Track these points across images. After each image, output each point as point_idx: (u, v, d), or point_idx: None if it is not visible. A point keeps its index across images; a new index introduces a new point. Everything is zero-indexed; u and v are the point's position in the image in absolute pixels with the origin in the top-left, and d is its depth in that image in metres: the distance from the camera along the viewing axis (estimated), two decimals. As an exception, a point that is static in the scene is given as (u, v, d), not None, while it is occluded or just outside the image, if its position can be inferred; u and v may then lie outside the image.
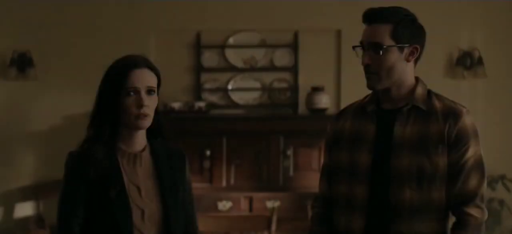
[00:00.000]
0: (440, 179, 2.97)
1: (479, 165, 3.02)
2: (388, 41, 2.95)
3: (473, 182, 2.99)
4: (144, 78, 2.85)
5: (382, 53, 2.95)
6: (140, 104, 2.83)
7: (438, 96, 3.07)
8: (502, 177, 6.97)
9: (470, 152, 2.99)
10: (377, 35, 2.96)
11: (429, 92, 3.07)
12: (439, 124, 2.98)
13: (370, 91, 3.11)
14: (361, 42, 3.01)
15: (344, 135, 3.12)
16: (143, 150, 2.93)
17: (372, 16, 2.99)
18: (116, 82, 2.82)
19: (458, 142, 2.97)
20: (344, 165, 3.09)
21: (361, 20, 3.03)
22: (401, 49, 2.97)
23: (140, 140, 2.92)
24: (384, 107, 3.06)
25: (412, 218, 2.97)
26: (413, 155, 2.96)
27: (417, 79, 3.07)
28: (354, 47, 3.05)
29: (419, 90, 3.04)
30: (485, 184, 3.03)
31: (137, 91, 2.83)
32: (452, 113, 2.99)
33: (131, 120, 2.84)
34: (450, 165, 2.97)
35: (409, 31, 2.99)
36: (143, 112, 2.84)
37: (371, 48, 2.97)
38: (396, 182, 2.97)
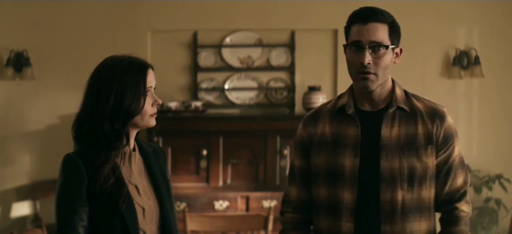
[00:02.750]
0: (430, 178, 3.02)
1: (462, 163, 3.11)
2: (387, 41, 2.96)
3: (460, 179, 3.07)
4: (154, 78, 2.90)
5: (383, 53, 2.95)
6: (156, 103, 2.88)
7: (415, 96, 3.10)
8: (499, 177, 6.98)
9: (456, 151, 3.06)
10: (378, 34, 2.95)
11: (406, 93, 3.09)
12: (427, 125, 3.01)
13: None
14: (357, 41, 2.97)
15: (323, 138, 3.09)
16: (134, 148, 2.94)
17: (368, 15, 2.97)
18: (139, 82, 2.83)
19: (445, 142, 3.02)
20: (325, 169, 3.06)
21: (350, 21, 3.03)
22: (393, 50, 3.00)
23: (133, 138, 2.94)
24: (363, 109, 3.06)
25: (404, 219, 2.99)
26: (403, 156, 2.98)
27: (392, 80, 3.09)
28: (347, 45, 3.02)
29: (398, 92, 3.06)
30: (469, 179, 3.13)
31: (151, 90, 2.87)
32: (438, 114, 3.04)
33: (145, 118, 2.86)
34: (439, 164, 3.03)
35: (398, 33, 3.02)
36: (156, 110, 2.91)
37: (371, 48, 2.95)
38: (387, 183, 2.98)
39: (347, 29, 3.04)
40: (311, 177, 3.13)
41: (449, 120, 3.05)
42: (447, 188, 3.04)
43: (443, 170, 3.03)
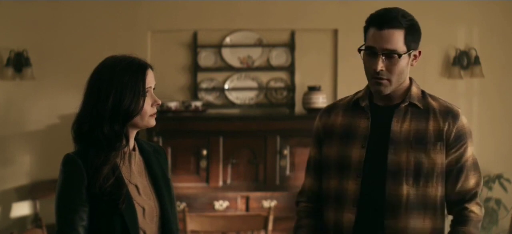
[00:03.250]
0: (437, 176, 3.00)
1: (476, 164, 3.09)
2: (402, 48, 2.94)
3: (472, 181, 3.05)
4: (153, 78, 2.90)
5: (396, 60, 2.94)
6: (156, 103, 2.88)
7: (432, 96, 3.10)
8: (499, 177, 6.98)
9: (469, 152, 3.05)
10: (392, 41, 2.93)
11: (423, 92, 3.10)
12: (438, 122, 3.01)
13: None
14: (371, 47, 2.97)
15: (335, 129, 3.12)
16: (134, 148, 2.95)
17: (383, 21, 2.95)
18: (139, 82, 2.83)
19: (457, 141, 3.01)
20: (335, 159, 3.09)
21: (368, 22, 3.00)
22: (410, 54, 2.98)
23: (133, 138, 2.94)
24: (378, 104, 3.07)
25: (408, 214, 2.99)
26: (411, 151, 2.98)
27: (410, 79, 3.08)
28: (361, 50, 3.01)
29: (414, 90, 3.06)
30: (482, 182, 3.10)
31: (150, 91, 2.87)
32: (451, 113, 3.03)
33: (145, 119, 2.87)
34: (450, 164, 3.02)
35: (416, 36, 2.99)
36: (156, 110, 2.91)
37: (385, 55, 2.94)
38: (393, 177, 2.98)
39: (366, 30, 3.03)
40: (323, 168, 3.15)
41: (463, 120, 3.05)
42: (458, 188, 3.03)
43: (454, 169, 3.03)
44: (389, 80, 2.97)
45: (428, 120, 3.02)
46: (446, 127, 3.00)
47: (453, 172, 3.03)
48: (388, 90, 3.00)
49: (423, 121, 3.02)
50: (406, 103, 3.02)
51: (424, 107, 3.04)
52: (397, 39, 2.94)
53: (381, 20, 2.96)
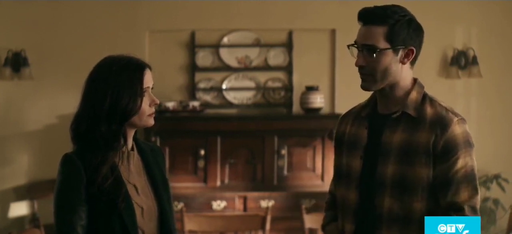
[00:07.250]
0: (423, 190, 2.89)
1: (470, 177, 2.91)
2: (382, 44, 2.89)
3: (464, 194, 2.88)
4: (151, 78, 2.90)
5: (376, 56, 2.88)
6: (154, 103, 2.88)
7: (432, 102, 2.98)
8: (497, 177, 6.98)
9: (460, 163, 2.89)
10: (371, 37, 2.89)
11: (424, 97, 2.98)
12: (427, 133, 2.88)
13: (365, 92, 3.09)
14: (355, 42, 2.96)
15: (344, 138, 3.10)
16: (132, 147, 2.95)
17: (366, 17, 2.92)
18: (136, 82, 2.83)
19: (445, 152, 2.87)
20: (342, 169, 3.08)
21: (357, 18, 2.97)
22: (396, 51, 2.91)
23: (131, 138, 2.94)
24: (380, 112, 3.02)
25: (391, 227, 2.92)
26: (398, 163, 2.90)
27: (414, 81, 3.01)
28: (349, 46, 2.99)
29: (413, 95, 2.97)
30: (477, 197, 2.92)
31: (148, 90, 2.88)
32: (440, 123, 2.89)
33: (143, 118, 2.87)
34: (438, 176, 2.88)
35: (405, 33, 2.91)
36: (154, 110, 2.91)
37: (365, 50, 2.91)
38: (379, 189, 2.93)
39: None
40: (336, 176, 3.16)
41: (456, 130, 2.89)
42: (446, 202, 2.87)
43: (442, 182, 2.87)
44: (372, 75, 2.92)
45: (419, 131, 2.90)
46: (433, 138, 2.86)
47: (441, 185, 2.87)
48: (373, 87, 2.95)
49: (414, 132, 2.90)
50: (399, 113, 2.95)
51: (418, 116, 2.93)
52: (377, 35, 2.89)
53: (364, 16, 2.94)
